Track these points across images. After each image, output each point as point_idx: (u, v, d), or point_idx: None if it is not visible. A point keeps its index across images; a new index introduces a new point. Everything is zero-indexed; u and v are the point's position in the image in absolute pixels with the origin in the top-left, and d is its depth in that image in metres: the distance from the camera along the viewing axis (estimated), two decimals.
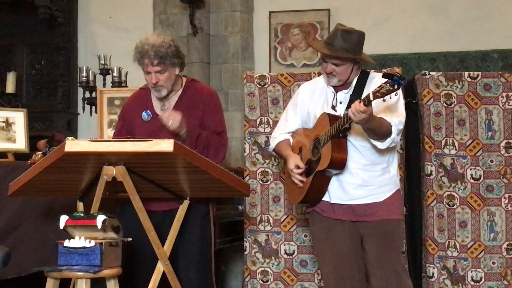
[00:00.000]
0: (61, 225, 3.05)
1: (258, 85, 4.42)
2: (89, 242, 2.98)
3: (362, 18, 6.46)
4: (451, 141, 4.24)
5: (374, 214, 3.38)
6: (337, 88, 3.44)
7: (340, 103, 3.40)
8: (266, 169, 4.40)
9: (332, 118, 3.30)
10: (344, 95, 3.40)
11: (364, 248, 3.42)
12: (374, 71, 3.58)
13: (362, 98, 3.08)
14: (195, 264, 3.58)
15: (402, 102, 3.36)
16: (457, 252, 4.20)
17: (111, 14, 7.20)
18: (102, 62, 6.20)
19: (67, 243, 3.00)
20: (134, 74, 6.01)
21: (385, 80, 2.94)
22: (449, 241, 4.19)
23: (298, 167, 3.45)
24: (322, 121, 3.38)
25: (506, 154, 4.22)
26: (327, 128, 3.30)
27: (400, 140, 3.77)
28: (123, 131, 3.70)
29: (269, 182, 4.40)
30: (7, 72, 7.13)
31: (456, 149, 4.22)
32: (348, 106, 3.24)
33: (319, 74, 4.39)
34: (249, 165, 4.41)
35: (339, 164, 3.31)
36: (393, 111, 3.27)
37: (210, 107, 3.66)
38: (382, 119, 3.21)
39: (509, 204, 4.20)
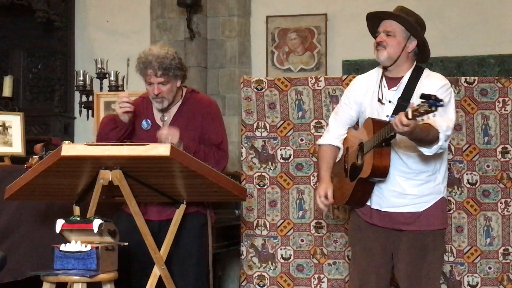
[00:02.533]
0: (57, 229, 3.05)
1: (255, 89, 4.42)
2: (85, 246, 2.97)
3: (359, 23, 6.41)
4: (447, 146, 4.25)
5: (411, 223, 3.30)
6: (389, 83, 3.34)
7: (390, 102, 3.29)
8: (263, 174, 4.41)
9: (376, 125, 3.21)
10: (393, 94, 3.29)
11: (396, 257, 3.35)
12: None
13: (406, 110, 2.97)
14: (192, 273, 3.58)
15: (452, 104, 3.28)
16: (454, 257, 4.20)
17: (108, 18, 7.21)
18: (99, 66, 6.20)
19: (63, 247, 2.99)
20: (131, 78, 6.05)
21: (423, 100, 2.88)
22: (445, 246, 4.19)
23: (326, 197, 3.42)
24: (367, 127, 3.30)
25: (502, 159, 4.22)
26: (371, 134, 3.24)
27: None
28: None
29: (265, 186, 4.40)
30: (4, 76, 7.14)
31: (452, 154, 4.22)
32: (396, 110, 3.17)
33: (316, 78, 4.40)
34: (246, 170, 4.41)
35: (382, 173, 3.24)
36: (442, 115, 3.15)
37: (209, 117, 3.65)
38: (429, 126, 3.11)
39: (506, 209, 4.20)
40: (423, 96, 2.88)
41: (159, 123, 3.64)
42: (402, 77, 3.32)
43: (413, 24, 3.28)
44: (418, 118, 2.90)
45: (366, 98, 3.43)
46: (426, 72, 3.37)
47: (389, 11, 3.35)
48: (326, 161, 3.51)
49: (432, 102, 2.80)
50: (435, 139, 3.14)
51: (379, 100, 3.30)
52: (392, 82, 3.33)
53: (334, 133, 3.52)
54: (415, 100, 3.09)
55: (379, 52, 3.31)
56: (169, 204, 3.43)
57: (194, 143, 3.57)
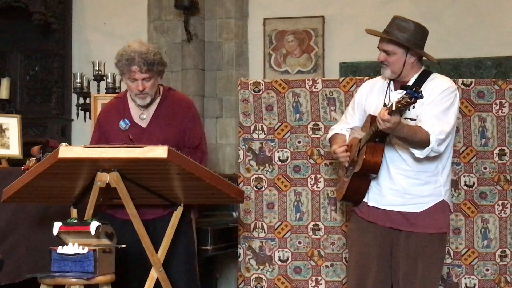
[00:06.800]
0: (55, 231, 3.05)
1: (252, 91, 4.42)
2: (83, 249, 2.98)
3: (356, 25, 6.48)
4: None
5: (408, 224, 3.31)
6: (396, 86, 3.37)
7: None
8: (260, 176, 4.40)
9: (373, 121, 3.23)
10: (397, 95, 3.27)
11: (395, 258, 3.36)
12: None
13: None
14: (182, 269, 3.59)
15: (454, 109, 3.28)
16: (451, 259, 4.20)
17: (106, 20, 7.20)
18: (96, 68, 6.20)
19: (60, 249, 3.00)
20: None
21: (404, 91, 2.91)
22: (445, 251, 4.18)
23: (340, 146, 3.47)
24: (367, 123, 3.36)
25: (499, 161, 4.22)
26: (367, 130, 3.28)
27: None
28: (101, 141, 3.67)
29: (263, 188, 4.40)
30: (1, 78, 7.12)
31: None
32: None
33: (313, 80, 4.40)
34: (243, 172, 4.41)
35: (372, 169, 3.26)
36: (441, 118, 3.19)
37: (188, 117, 3.69)
38: (418, 128, 3.13)
39: (503, 211, 4.20)
40: (402, 87, 2.91)
41: (137, 122, 3.64)
42: (408, 81, 3.35)
43: (405, 42, 3.29)
44: (408, 118, 2.91)
45: (370, 101, 3.48)
46: (434, 75, 3.40)
47: (380, 33, 3.38)
48: (338, 139, 3.61)
49: (410, 92, 2.82)
50: (425, 142, 3.15)
51: (385, 105, 3.32)
52: (398, 85, 3.35)
53: (342, 127, 3.65)
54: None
55: (383, 69, 3.39)
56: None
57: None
